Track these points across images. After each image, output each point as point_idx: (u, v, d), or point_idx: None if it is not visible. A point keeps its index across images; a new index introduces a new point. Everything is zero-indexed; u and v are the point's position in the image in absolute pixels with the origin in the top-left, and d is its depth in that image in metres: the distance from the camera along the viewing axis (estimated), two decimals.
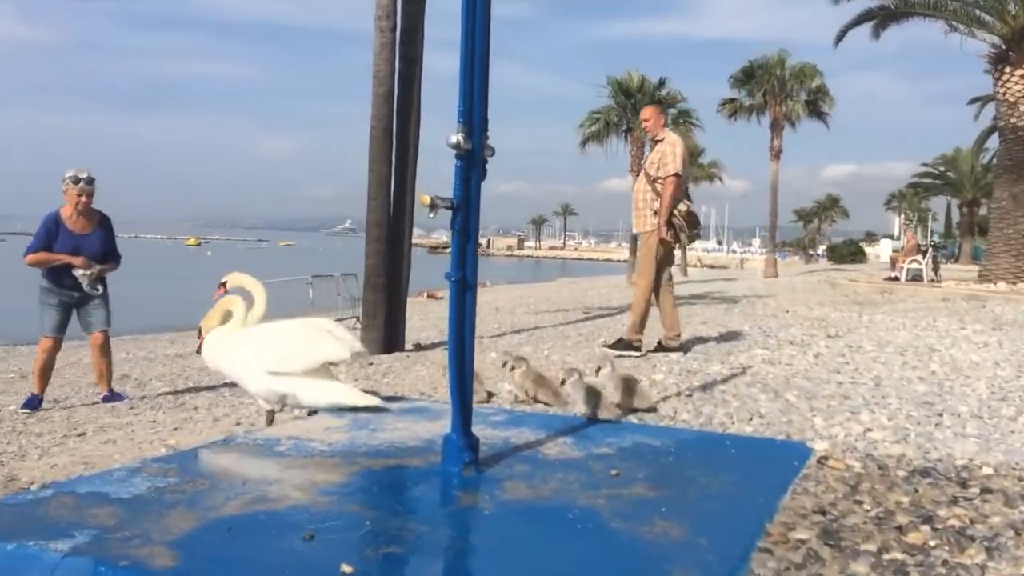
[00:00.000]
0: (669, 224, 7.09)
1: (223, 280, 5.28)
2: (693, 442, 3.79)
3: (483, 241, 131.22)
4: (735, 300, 16.89)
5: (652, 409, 4.66)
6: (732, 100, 40.13)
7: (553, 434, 3.81)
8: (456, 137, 3.10)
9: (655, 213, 7.21)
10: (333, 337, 4.33)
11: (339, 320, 17.57)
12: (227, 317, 4.62)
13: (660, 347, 7.52)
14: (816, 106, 39.78)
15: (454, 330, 3.17)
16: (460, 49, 3.13)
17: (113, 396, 6.72)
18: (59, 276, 6.41)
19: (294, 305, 20.10)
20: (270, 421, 4.47)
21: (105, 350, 6.67)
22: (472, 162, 3.17)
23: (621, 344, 7.39)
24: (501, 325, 15.10)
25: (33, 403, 6.57)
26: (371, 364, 8.66)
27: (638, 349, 7.37)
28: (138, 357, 12.85)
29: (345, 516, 2.69)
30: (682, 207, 7.19)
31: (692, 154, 43.98)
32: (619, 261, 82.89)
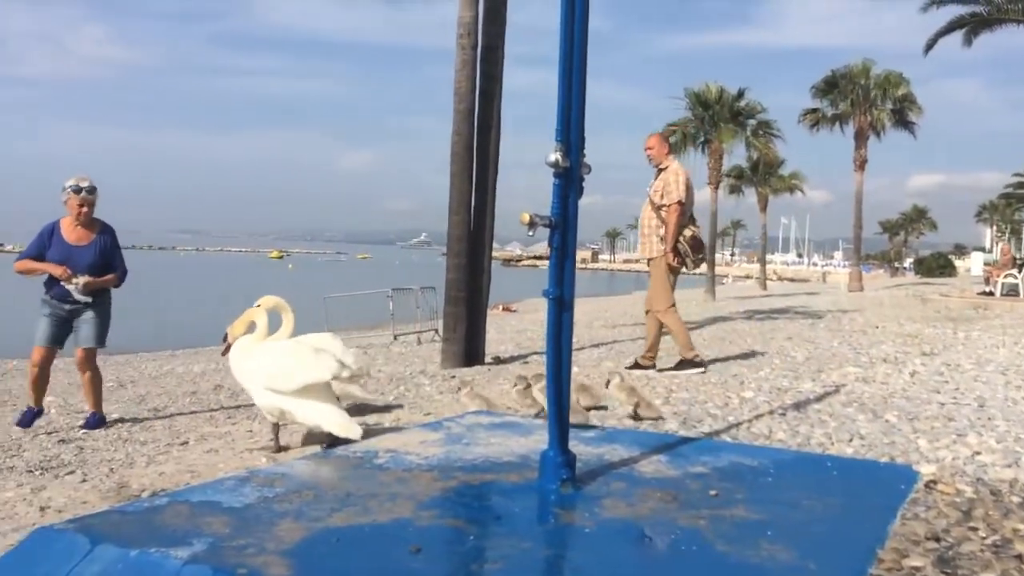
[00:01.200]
0: (675, 250, 7.26)
1: (257, 304, 5.30)
2: (792, 463, 3.71)
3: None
4: (819, 315, 16.47)
5: (660, 418, 4.88)
6: (814, 110, 39.22)
7: (647, 451, 3.78)
8: (554, 156, 3.12)
9: (661, 239, 7.39)
10: (319, 358, 4.38)
11: (418, 333, 17.93)
12: (251, 328, 4.74)
13: (636, 365, 7.67)
14: (903, 115, 38.57)
15: (552, 347, 3.18)
16: (558, 69, 3.15)
17: (95, 420, 6.25)
18: (51, 286, 6.11)
19: (375, 317, 20.53)
20: (275, 434, 4.60)
21: (86, 367, 6.22)
22: (570, 180, 3.19)
23: (684, 364, 7.41)
24: (579, 339, 15.04)
25: (26, 419, 6.20)
26: (453, 377, 8.73)
27: (701, 364, 7.43)
28: (226, 368, 13.22)
29: (448, 531, 2.72)
30: (687, 232, 7.34)
31: (772, 165, 43.15)
32: (695, 274, 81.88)
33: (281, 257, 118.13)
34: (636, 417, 4.96)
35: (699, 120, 34.67)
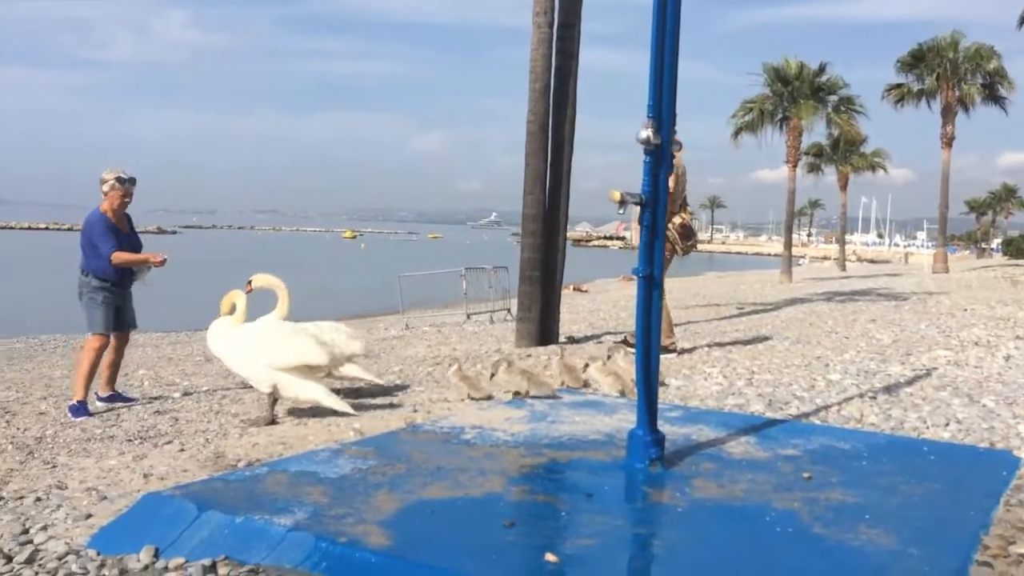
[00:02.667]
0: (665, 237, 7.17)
1: (249, 280, 5.64)
2: (886, 447, 3.62)
3: (626, 234, 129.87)
4: (903, 297, 15.94)
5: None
6: (899, 85, 37.74)
7: (734, 432, 3.74)
8: (645, 132, 3.09)
9: None
10: (317, 342, 4.93)
11: (490, 312, 18.03)
12: (232, 308, 5.21)
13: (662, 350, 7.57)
14: (993, 90, 36.81)
15: (641, 327, 3.16)
16: (650, 45, 3.11)
17: (115, 397, 6.46)
18: (121, 274, 6.25)
19: (448, 296, 20.72)
20: (271, 405, 5.00)
21: (125, 348, 6.58)
22: (660, 158, 3.15)
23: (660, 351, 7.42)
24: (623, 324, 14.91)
25: (83, 409, 6.07)
26: (529, 356, 8.76)
27: (675, 351, 7.50)
28: None
29: (540, 507, 2.74)
30: (676, 220, 7.40)
31: (854, 142, 41.77)
32: (771, 255, 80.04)
33: (354, 237, 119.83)
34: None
35: (777, 97, 33.71)
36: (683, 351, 7.70)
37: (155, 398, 6.73)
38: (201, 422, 5.39)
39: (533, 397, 4.55)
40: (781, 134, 33.76)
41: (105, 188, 6.35)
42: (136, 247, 6.38)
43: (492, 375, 5.25)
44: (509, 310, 18.15)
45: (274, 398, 4.96)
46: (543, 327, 11.22)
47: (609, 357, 5.84)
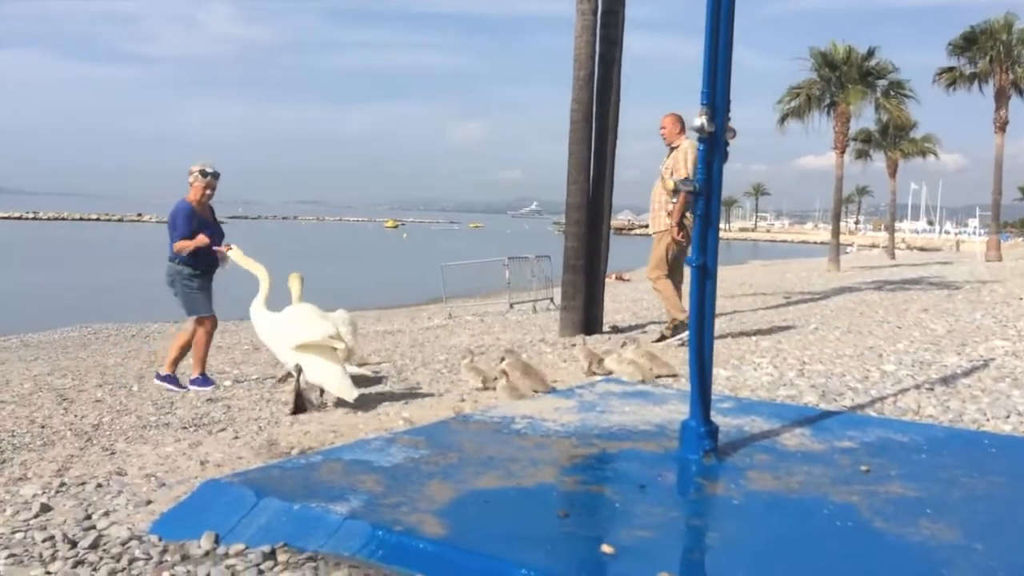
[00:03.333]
0: (681, 225, 7.55)
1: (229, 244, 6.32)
2: (946, 439, 3.54)
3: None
4: (956, 286, 15.58)
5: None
6: (951, 69, 36.80)
7: (788, 424, 3.69)
8: (700, 120, 3.05)
9: (668, 215, 7.72)
10: (318, 324, 5.14)
11: (533, 301, 18.03)
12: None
13: (662, 338, 7.88)
14: None
15: (695, 317, 3.13)
16: (704, 32, 3.06)
17: (204, 380, 6.73)
18: (205, 261, 6.60)
19: (491, 285, 20.77)
20: (297, 377, 5.17)
21: (212, 333, 6.89)
22: (714, 145, 3.11)
23: (679, 329, 7.68)
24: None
25: (206, 380, 6.64)
26: (573, 346, 8.75)
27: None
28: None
29: (593, 497, 2.74)
30: None
31: (903, 128, 40.85)
32: (817, 243, 78.78)
33: (396, 226, 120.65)
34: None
35: (825, 82, 33.10)
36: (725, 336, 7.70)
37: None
38: (252, 410, 5.47)
39: (619, 384, 4.58)
40: (828, 120, 33.13)
41: (190, 179, 6.70)
42: (218, 237, 6.63)
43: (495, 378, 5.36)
44: (552, 299, 18.13)
45: (297, 386, 5.12)
46: (587, 316, 11.18)
47: (623, 345, 5.99)
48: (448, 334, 11.80)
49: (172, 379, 6.73)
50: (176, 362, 6.84)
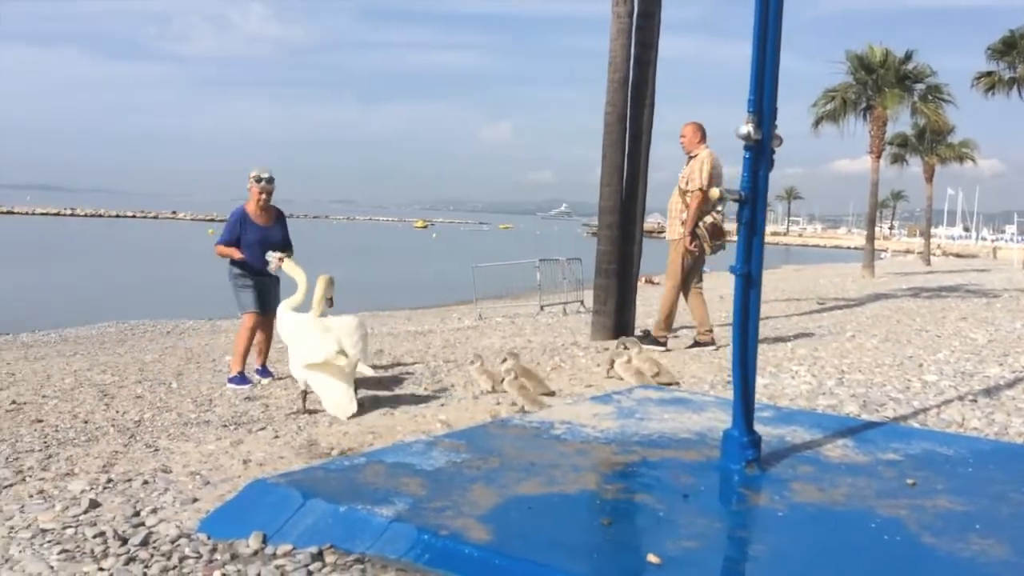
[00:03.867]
0: (693, 234, 7.64)
1: (282, 257, 6.48)
2: (992, 453, 3.49)
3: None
4: (995, 294, 15.35)
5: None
6: (989, 73, 36.19)
7: (830, 435, 3.65)
8: (746, 127, 3.03)
9: (683, 223, 7.80)
10: (321, 341, 5.26)
11: (564, 303, 18.02)
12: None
13: (696, 344, 7.95)
14: None
15: (738, 326, 3.11)
16: (752, 37, 3.05)
17: (265, 371, 7.10)
18: (250, 263, 6.88)
19: (521, 287, 20.78)
20: (303, 399, 5.38)
21: (270, 328, 7.11)
22: (761, 153, 3.09)
23: (649, 339, 7.90)
24: (729, 314, 14.67)
25: (244, 379, 6.86)
26: (606, 349, 8.73)
27: (664, 345, 7.83)
28: (383, 332, 13.71)
29: (636, 505, 2.73)
30: (708, 219, 7.69)
31: (941, 132, 40.26)
32: (850, 248, 77.74)
33: (426, 226, 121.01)
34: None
35: (861, 85, 32.69)
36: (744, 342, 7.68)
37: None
38: (290, 408, 5.53)
39: (656, 391, 4.58)
40: (864, 123, 32.71)
41: (248, 185, 7.07)
42: (270, 240, 6.94)
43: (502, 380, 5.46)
44: (582, 302, 18.10)
45: (306, 392, 5.37)
46: (619, 320, 11.15)
47: (626, 348, 6.14)
48: (479, 335, 11.82)
49: (264, 371, 7.09)
50: (264, 353, 7.21)
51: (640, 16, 10.89)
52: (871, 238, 31.15)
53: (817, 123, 33.26)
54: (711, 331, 8.03)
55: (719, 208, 7.85)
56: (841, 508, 2.71)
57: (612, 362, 6.14)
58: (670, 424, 3.76)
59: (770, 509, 2.75)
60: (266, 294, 7.02)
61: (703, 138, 8.07)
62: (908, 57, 32.68)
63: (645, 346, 7.48)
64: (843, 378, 5.74)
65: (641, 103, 11.06)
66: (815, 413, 4.36)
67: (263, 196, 7.01)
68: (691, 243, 7.67)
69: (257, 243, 6.85)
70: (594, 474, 3.02)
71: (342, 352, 5.26)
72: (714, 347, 7.79)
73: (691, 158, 7.96)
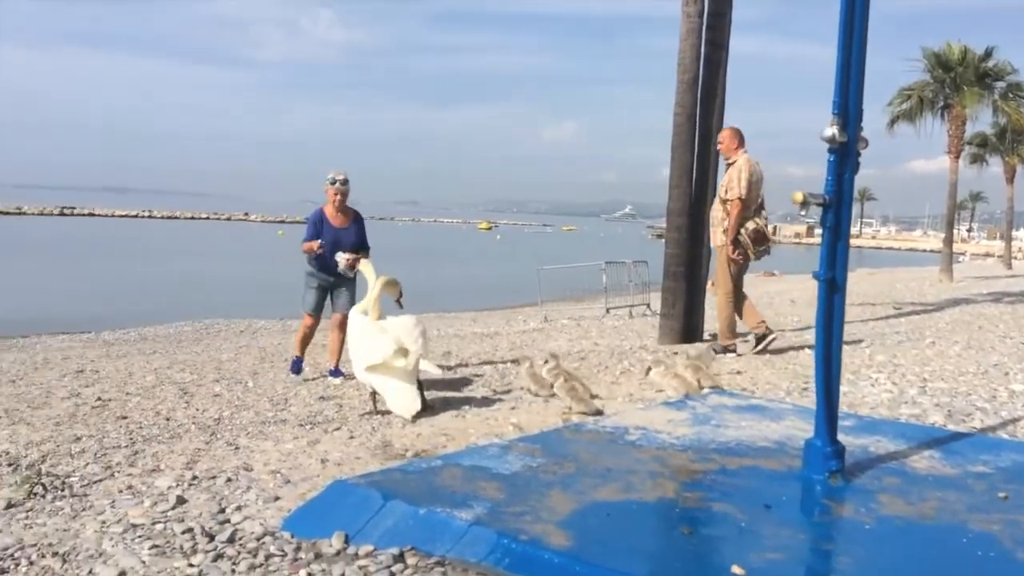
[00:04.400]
0: (736, 242, 7.64)
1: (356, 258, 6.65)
2: None
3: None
4: None
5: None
6: None
7: (915, 445, 3.55)
8: (831, 130, 2.96)
9: (725, 231, 7.78)
10: (380, 342, 5.31)
11: (630, 306, 17.90)
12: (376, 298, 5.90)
13: (757, 341, 7.91)
14: None
15: (822, 333, 3.04)
16: (837, 39, 2.98)
17: (336, 372, 7.19)
18: (323, 263, 7.10)
19: (586, 289, 20.72)
20: (373, 401, 5.47)
21: (343, 328, 7.08)
22: (846, 156, 3.02)
23: (720, 349, 7.84)
24: (801, 318, 14.40)
25: (296, 366, 7.40)
26: (675, 354, 8.63)
27: (734, 351, 7.81)
28: (449, 334, 13.81)
29: (717, 515, 2.69)
30: (750, 225, 7.68)
31: (1023, 132, 38.75)
32: (926, 251, 75.41)
33: (490, 228, 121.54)
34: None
35: (938, 83, 31.68)
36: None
37: (312, 379, 7.18)
38: (363, 408, 5.62)
39: (731, 396, 4.54)
40: (942, 123, 31.69)
41: (324, 187, 7.34)
42: (342, 241, 7.14)
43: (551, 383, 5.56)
44: (648, 305, 17.95)
45: (375, 393, 5.45)
46: (687, 324, 11.02)
47: (657, 362, 6.15)
48: (545, 338, 11.81)
49: (336, 372, 7.29)
50: (336, 353, 7.36)
51: (711, 15, 10.74)
52: (949, 241, 30.17)
53: (892, 122, 32.32)
54: (764, 322, 8.04)
55: (763, 213, 7.91)
56: (930, 522, 2.62)
57: (648, 370, 6.05)
58: (747, 432, 3.70)
59: (856, 522, 2.68)
60: (335, 296, 7.28)
61: (741, 143, 8.00)
62: (988, 54, 31.53)
63: (721, 355, 7.59)
64: (925, 386, 5.56)
65: (711, 104, 10.91)
66: (899, 423, 4.23)
67: (338, 197, 7.24)
68: (734, 251, 7.68)
69: (330, 244, 7.06)
70: (672, 482, 2.99)
71: (401, 351, 5.30)
72: (773, 335, 7.87)
73: (729, 164, 7.94)
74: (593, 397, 5.38)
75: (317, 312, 7.29)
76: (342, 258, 6.95)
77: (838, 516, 2.77)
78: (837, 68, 2.99)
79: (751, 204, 7.74)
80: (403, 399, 5.17)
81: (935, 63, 31.55)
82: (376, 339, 5.43)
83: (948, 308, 13.59)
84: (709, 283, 11.37)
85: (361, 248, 7.22)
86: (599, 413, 5.10)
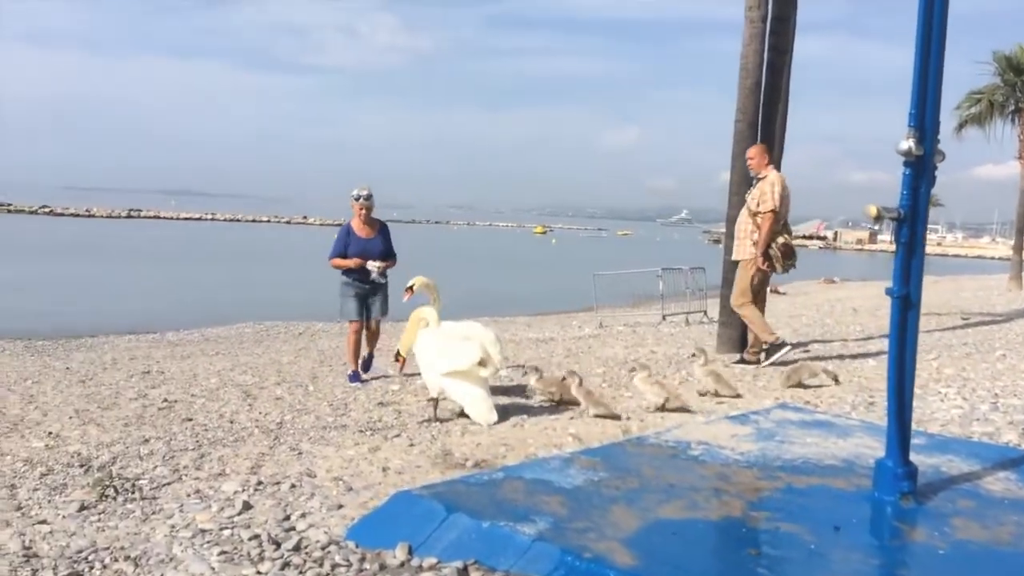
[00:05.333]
0: (766, 255, 7.78)
1: (410, 284, 6.60)
2: None
3: (829, 234, 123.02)
4: None
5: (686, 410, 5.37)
6: None
7: (990, 466, 3.43)
8: (907, 143, 2.88)
9: (754, 244, 7.89)
10: (464, 348, 5.30)
11: (687, 313, 17.70)
12: (424, 325, 5.88)
13: (742, 360, 8.20)
14: None
15: (895, 351, 2.96)
16: (914, 49, 2.90)
17: (357, 375, 7.67)
18: (355, 273, 7.62)
19: (641, 295, 20.56)
20: (434, 408, 5.46)
21: (375, 335, 7.94)
22: (922, 170, 2.93)
23: (771, 351, 8.00)
24: (864, 328, 14.09)
25: (355, 377, 7.63)
26: (736, 363, 8.51)
27: (783, 344, 8.02)
28: (504, 339, 13.81)
29: (785, 536, 2.64)
30: (780, 239, 7.83)
31: None
32: (995, 259, 73.06)
33: (545, 232, 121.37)
34: (663, 408, 5.49)
35: (1009, 87, 30.70)
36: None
37: (372, 379, 7.30)
38: (422, 416, 5.65)
39: (795, 411, 4.46)
40: (1012, 127, 30.69)
41: (350, 202, 7.83)
42: (370, 251, 7.67)
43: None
44: (706, 312, 17.73)
45: (436, 400, 5.49)
46: (746, 332, 10.83)
47: (632, 371, 6.16)
48: (600, 344, 11.74)
49: (354, 375, 7.72)
50: (370, 356, 8.02)
51: (774, 20, 10.57)
52: (1019, 248, 29.15)
53: (961, 127, 31.38)
54: (775, 334, 8.23)
55: (790, 228, 8.11)
56: (1008, 547, 2.54)
57: (632, 372, 6.13)
58: (814, 449, 3.62)
59: (930, 546, 2.59)
60: (370, 304, 7.77)
61: (770, 160, 8.32)
62: None
63: (774, 357, 7.86)
64: (997, 402, 5.38)
65: (773, 109, 10.73)
66: (971, 442, 4.10)
67: (363, 211, 7.74)
68: (764, 263, 7.84)
69: (358, 254, 7.59)
70: (737, 500, 2.94)
71: (484, 360, 5.33)
72: (771, 363, 7.90)
73: (759, 179, 8.14)
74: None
75: (359, 317, 7.76)
76: (374, 266, 7.52)
77: (910, 540, 2.69)
78: (914, 79, 2.91)
79: (782, 218, 7.93)
80: (482, 407, 5.24)
81: (1006, 66, 30.59)
82: (461, 345, 5.44)
83: (1018, 319, 13.15)
84: (768, 289, 11.27)
85: (388, 256, 7.75)
86: (617, 417, 5.36)
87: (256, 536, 2.93)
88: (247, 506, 3.34)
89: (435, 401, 5.49)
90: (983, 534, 2.66)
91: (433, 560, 2.54)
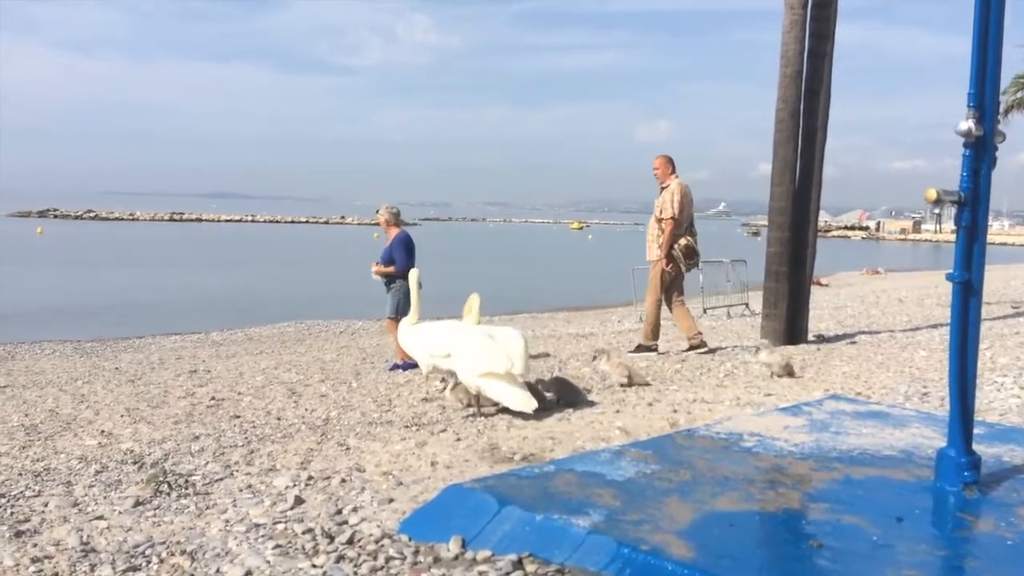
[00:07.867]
0: (669, 257, 8.69)
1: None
2: None
3: (872, 224, 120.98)
4: None
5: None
6: None
7: None
8: (967, 124, 2.80)
9: (659, 247, 8.77)
10: (499, 353, 5.35)
11: (728, 307, 17.50)
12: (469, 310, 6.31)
13: (691, 348, 8.80)
14: None
15: (956, 338, 2.88)
16: (973, 29, 2.82)
17: (397, 366, 8.36)
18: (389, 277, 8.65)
19: (683, 288, 20.37)
20: (477, 402, 5.56)
21: (389, 330, 8.74)
22: (982, 151, 2.85)
23: (641, 348, 8.88)
24: (911, 318, 13.84)
25: (393, 368, 8.39)
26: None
27: (655, 351, 8.85)
28: (544, 335, 13.82)
29: (847, 528, 2.58)
30: (682, 242, 8.74)
31: None
32: None
33: (581, 228, 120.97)
34: (629, 383, 6.32)
35: None
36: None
37: (412, 378, 7.30)
38: (466, 411, 5.64)
39: (848, 403, 4.36)
40: None
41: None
42: (380, 256, 8.74)
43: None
44: (747, 304, 17.53)
45: (477, 396, 5.56)
46: (791, 325, 10.70)
47: (595, 358, 6.95)
48: (641, 338, 11.65)
49: (402, 366, 8.28)
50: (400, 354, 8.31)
51: (815, 7, 10.40)
52: None
53: (1007, 111, 30.64)
54: (700, 333, 8.97)
55: (693, 231, 9.01)
56: None
57: (594, 358, 6.94)
58: (870, 439, 3.55)
59: (997, 537, 2.52)
60: (393, 301, 8.61)
61: (674, 169, 9.03)
62: None
63: (640, 354, 8.63)
64: None
65: (815, 98, 10.56)
66: None
67: (380, 223, 8.97)
68: (667, 264, 8.69)
69: (379, 261, 8.73)
70: (794, 491, 2.88)
71: (511, 370, 5.32)
72: (706, 349, 8.72)
73: (663, 188, 8.88)
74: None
75: (394, 314, 8.51)
76: (372, 269, 8.64)
77: (977, 531, 2.62)
78: (973, 58, 2.83)
79: (683, 223, 8.84)
80: (519, 396, 5.25)
81: None
82: (493, 350, 5.42)
83: None
84: (814, 281, 11.14)
85: (385, 262, 8.67)
86: (647, 384, 6.28)
87: (310, 530, 2.94)
88: (299, 500, 3.36)
89: (477, 396, 5.48)
90: None
91: (487, 553, 2.52)
